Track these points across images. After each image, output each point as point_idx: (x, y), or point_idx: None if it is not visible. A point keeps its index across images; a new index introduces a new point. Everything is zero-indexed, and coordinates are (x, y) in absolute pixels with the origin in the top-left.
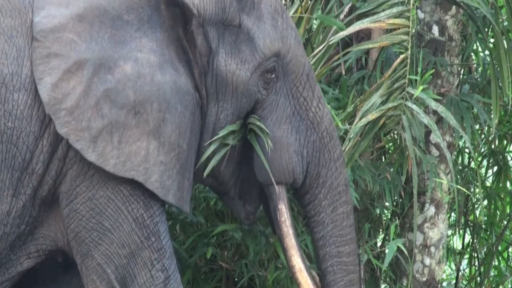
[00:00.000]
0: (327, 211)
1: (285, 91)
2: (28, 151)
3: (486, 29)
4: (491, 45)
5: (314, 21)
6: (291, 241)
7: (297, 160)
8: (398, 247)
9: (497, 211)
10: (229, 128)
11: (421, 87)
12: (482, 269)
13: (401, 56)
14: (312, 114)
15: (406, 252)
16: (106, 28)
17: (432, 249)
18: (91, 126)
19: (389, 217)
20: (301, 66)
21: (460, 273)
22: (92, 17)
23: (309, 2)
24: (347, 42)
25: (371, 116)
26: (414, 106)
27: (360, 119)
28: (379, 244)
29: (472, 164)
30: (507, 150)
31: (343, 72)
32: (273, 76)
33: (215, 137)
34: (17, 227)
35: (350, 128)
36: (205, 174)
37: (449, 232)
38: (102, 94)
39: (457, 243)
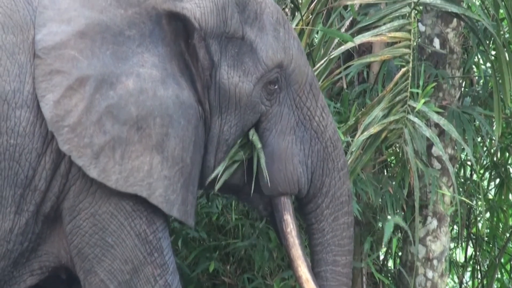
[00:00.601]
0: (328, 220)
1: (289, 102)
2: (30, 168)
3: (488, 42)
4: (493, 58)
5: (316, 35)
6: (297, 252)
7: (302, 170)
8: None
9: (500, 224)
10: (237, 146)
11: (422, 100)
12: (485, 282)
13: (403, 69)
14: (316, 124)
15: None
16: (108, 44)
17: (435, 262)
18: (93, 142)
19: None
20: (304, 76)
21: (463, 286)
22: (94, 33)
23: (310, 16)
24: (348, 56)
25: (373, 130)
26: (416, 119)
27: (362, 132)
28: (381, 257)
29: (474, 177)
30: (509, 162)
31: (345, 86)
32: (276, 87)
33: (225, 160)
34: (20, 244)
35: (352, 140)
36: (216, 189)
37: (452, 245)
38: (105, 110)
39: (459, 256)
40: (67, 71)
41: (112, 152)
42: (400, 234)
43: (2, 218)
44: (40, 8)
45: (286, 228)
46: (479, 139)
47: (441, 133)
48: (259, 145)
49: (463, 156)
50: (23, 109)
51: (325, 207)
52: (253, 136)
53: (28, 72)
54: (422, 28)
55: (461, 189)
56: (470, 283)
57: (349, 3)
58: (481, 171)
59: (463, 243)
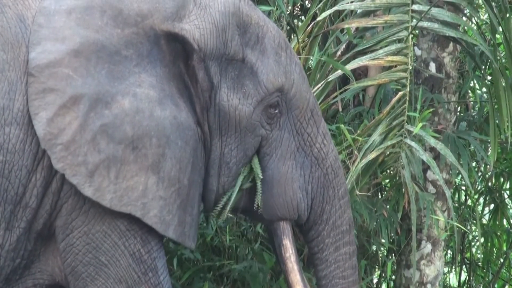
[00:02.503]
0: (330, 249)
1: (289, 127)
2: (21, 184)
3: (484, 66)
4: (489, 83)
5: (311, 58)
6: (296, 277)
7: (302, 196)
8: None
9: (494, 249)
10: (241, 176)
11: (420, 124)
12: None
13: (400, 93)
14: (317, 150)
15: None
16: (103, 63)
17: (429, 286)
18: (87, 161)
19: (385, 254)
20: (305, 101)
21: None
22: (89, 52)
23: (307, 39)
24: (344, 79)
25: (371, 155)
26: (413, 143)
27: (361, 159)
28: (375, 280)
29: (469, 202)
30: (504, 187)
31: (340, 109)
32: (276, 111)
33: (231, 190)
34: (12, 260)
35: (348, 159)
36: (221, 219)
37: (446, 269)
38: (99, 129)
39: (453, 281)
40: (60, 89)
41: (107, 171)
42: (394, 257)
43: None
44: (35, 26)
45: (285, 253)
46: (474, 164)
47: (436, 157)
48: (260, 176)
49: (457, 180)
50: (12, 126)
51: (326, 235)
52: (255, 164)
53: (18, 90)
54: (418, 52)
55: (455, 214)
56: None
57: (346, 26)
58: (476, 196)
59: (457, 268)
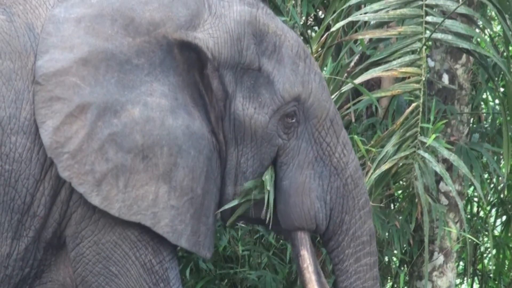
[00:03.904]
0: (350, 260)
1: (307, 136)
2: (28, 193)
3: (497, 78)
4: (502, 94)
5: (325, 69)
6: None
7: (320, 206)
8: None
9: (506, 261)
10: (252, 183)
11: (433, 136)
12: None
13: (413, 105)
14: (336, 160)
15: None
16: (113, 72)
17: None
18: (94, 169)
19: (397, 265)
20: (325, 111)
21: None
22: (98, 61)
23: (320, 50)
24: (357, 90)
25: (384, 166)
26: (426, 155)
27: (375, 170)
28: None
29: (481, 213)
30: None
31: (353, 120)
32: (293, 120)
33: (239, 196)
34: (20, 269)
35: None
36: (228, 224)
37: (458, 281)
38: (107, 138)
39: None
40: (67, 98)
41: (115, 180)
42: (406, 268)
43: None
44: (43, 34)
45: (303, 263)
46: (486, 176)
47: (448, 169)
48: (268, 188)
49: (469, 192)
50: (19, 135)
51: (346, 245)
52: (266, 176)
53: (25, 99)
54: (431, 63)
55: (467, 225)
56: None
57: (360, 37)
58: (488, 208)
59: (469, 279)
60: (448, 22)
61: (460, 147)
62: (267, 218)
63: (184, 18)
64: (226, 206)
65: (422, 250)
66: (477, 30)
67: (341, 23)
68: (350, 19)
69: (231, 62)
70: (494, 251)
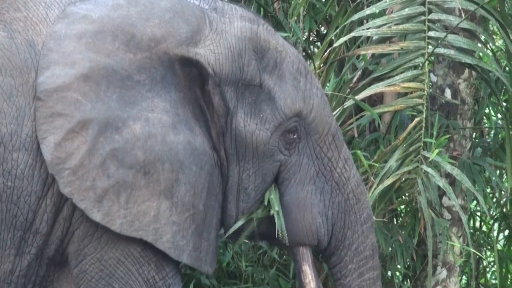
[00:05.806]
0: (353, 275)
1: (308, 152)
2: (30, 210)
3: (499, 93)
4: (504, 109)
5: (327, 85)
6: None
7: (321, 221)
8: None
9: (509, 275)
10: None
11: (436, 151)
12: None
13: (416, 119)
14: (338, 175)
15: None
16: (114, 88)
17: None
18: (96, 185)
19: (401, 279)
20: (326, 126)
21: None
22: (99, 77)
23: (323, 66)
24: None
25: (387, 181)
26: (429, 170)
27: (378, 185)
28: None
29: (484, 228)
30: None
31: (356, 135)
32: (295, 136)
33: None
34: (23, 286)
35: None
36: (238, 242)
37: None
38: (109, 154)
39: None
40: (69, 113)
41: (116, 196)
42: (410, 283)
43: (1, 260)
44: (44, 50)
45: (305, 279)
46: (488, 190)
47: (451, 183)
48: (276, 209)
49: (472, 206)
50: (20, 152)
51: (349, 260)
52: (272, 195)
53: (26, 115)
54: (434, 78)
55: (470, 240)
56: None
57: (362, 52)
58: (491, 222)
59: None
60: (451, 37)
61: (463, 162)
62: (283, 239)
63: (185, 34)
64: (232, 229)
65: (425, 264)
66: (480, 45)
67: (344, 39)
68: (352, 34)
69: (232, 78)
70: (497, 265)
